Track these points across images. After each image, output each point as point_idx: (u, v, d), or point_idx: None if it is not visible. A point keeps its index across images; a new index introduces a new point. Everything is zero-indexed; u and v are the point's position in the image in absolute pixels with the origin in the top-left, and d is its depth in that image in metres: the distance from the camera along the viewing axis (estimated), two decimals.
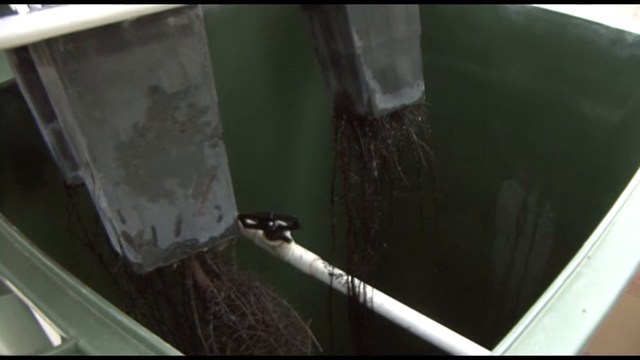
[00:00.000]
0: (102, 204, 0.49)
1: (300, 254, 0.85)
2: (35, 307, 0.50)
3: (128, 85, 0.46)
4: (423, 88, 0.75)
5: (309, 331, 0.61)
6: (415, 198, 0.80)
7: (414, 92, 0.74)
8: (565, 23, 0.87)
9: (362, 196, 0.77)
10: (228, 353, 0.56)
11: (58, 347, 0.46)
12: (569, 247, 0.54)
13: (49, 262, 0.52)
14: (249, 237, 0.87)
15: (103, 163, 0.47)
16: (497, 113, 1.00)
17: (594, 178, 0.91)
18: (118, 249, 0.52)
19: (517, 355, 0.43)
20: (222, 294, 0.56)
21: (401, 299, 0.79)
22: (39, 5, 0.42)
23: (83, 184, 0.62)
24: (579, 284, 0.49)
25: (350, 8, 0.66)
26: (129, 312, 0.57)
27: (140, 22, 0.44)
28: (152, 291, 0.60)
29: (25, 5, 0.44)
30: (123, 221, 0.49)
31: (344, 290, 0.83)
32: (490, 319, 1.17)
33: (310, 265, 0.84)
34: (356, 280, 0.83)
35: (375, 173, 0.74)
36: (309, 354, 0.60)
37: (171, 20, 0.46)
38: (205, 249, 0.54)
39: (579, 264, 0.50)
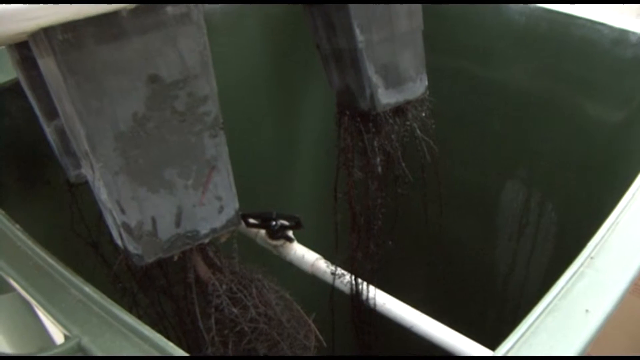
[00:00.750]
0: (102, 195, 0.49)
1: (302, 253, 0.86)
2: (37, 306, 0.50)
3: (127, 75, 0.45)
4: (426, 83, 0.75)
5: (312, 325, 0.60)
6: (418, 196, 0.80)
7: (417, 87, 0.74)
8: (567, 23, 0.87)
9: (366, 193, 0.76)
10: (230, 346, 0.56)
11: (61, 345, 0.46)
12: (571, 248, 0.54)
13: (51, 261, 0.52)
14: (251, 236, 0.88)
15: (102, 152, 0.46)
16: (499, 113, 1.00)
17: (597, 178, 0.91)
18: (119, 241, 0.52)
19: (520, 356, 0.43)
20: (224, 286, 0.56)
21: (403, 299, 0.79)
22: None
23: (86, 182, 0.63)
24: (581, 284, 0.48)
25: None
26: (131, 309, 0.57)
27: (138, 10, 0.44)
28: (154, 284, 0.59)
29: None
30: (123, 212, 0.49)
31: (346, 289, 0.83)
32: (491, 319, 1.17)
33: (313, 264, 0.84)
34: (358, 280, 0.83)
35: (380, 169, 0.74)
36: (312, 348, 0.60)
37: (169, 9, 0.45)
38: (206, 240, 0.54)
39: (582, 264, 0.50)
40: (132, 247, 0.51)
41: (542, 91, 0.93)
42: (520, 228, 1.05)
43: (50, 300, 0.49)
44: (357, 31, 0.67)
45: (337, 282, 0.83)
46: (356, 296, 0.83)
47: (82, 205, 0.70)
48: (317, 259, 0.85)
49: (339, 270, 0.83)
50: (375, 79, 0.70)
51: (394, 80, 0.72)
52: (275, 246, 0.86)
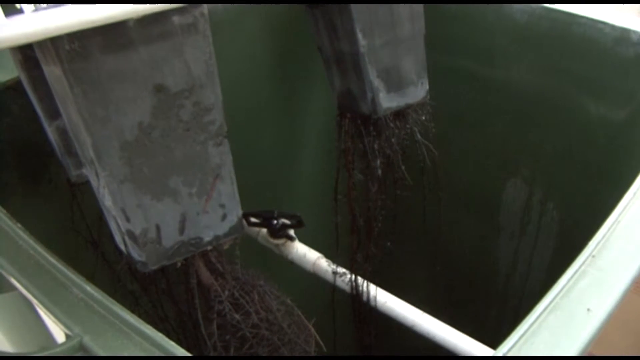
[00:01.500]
0: (107, 202, 0.50)
1: (303, 252, 0.86)
2: (39, 305, 0.50)
3: (133, 84, 0.46)
4: (427, 87, 0.75)
5: (313, 330, 0.61)
6: (418, 197, 0.80)
7: (418, 91, 0.74)
8: (569, 22, 0.87)
9: (366, 195, 0.76)
10: (231, 352, 0.56)
11: (62, 344, 0.46)
12: (572, 246, 0.54)
13: (53, 259, 0.52)
14: (253, 235, 0.88)
15: (107, 161, 0.47)
16: (500, 112, 1.00)
17: (598, 177, 0.91)
18: (122, 247, 0.52)
19: (522, 355, 0.43)
20: (226, 292, 0.56)
21: (404, 298, 0.79)
22: (44, 5, 0.42)
23: (87, 182, 0.63)
24: (583, 283, 0.48)
25: (355, 7, 0.66)
26: (132, 311, 0.57)
27: (145, 20, 0.44)
28: (156, 290, 0.60)
29: (31, 5, 0.44)
30: (127, 219, 0.49)
31: (347, 288, 0.83)
32: (493, 318, 1.17)
33: (314, 263, 0.84)
34: (359, 279, 0.83)
35: (379, 172, 0.74)
36: (313, 353, 0.60)
37: (176, 19, 0.46)
38: (210, 247, 0.54)
39: (583, 263, 0.50)
40: (136, 254, 0.51)
41: (544, 90, 0.93)
42: (521, 227, 1.05)
43: (52, 299, 0.49)
44: (360, 35, 0.67)
45: (339, 281, 0.83)
46: (357, 295, 0.83)
47: (83, 205, 0.70)
48: (318, 257, 0.85)
49: (340, 269, 0.83)
50: (377, 82, 0.70)
51: (395, 84, 0.72)
52: (277, 245, 0.86)
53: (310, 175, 1.12)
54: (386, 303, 0.79)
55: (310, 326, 0.61)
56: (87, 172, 0.51)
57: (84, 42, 0.43)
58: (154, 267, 0.52)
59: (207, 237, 0.54)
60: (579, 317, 0.46)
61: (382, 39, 0.69)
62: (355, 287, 0.83)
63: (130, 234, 0.50)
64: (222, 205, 0.53)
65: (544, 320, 0.46)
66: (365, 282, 0.82)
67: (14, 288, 0.53)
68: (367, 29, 0.67)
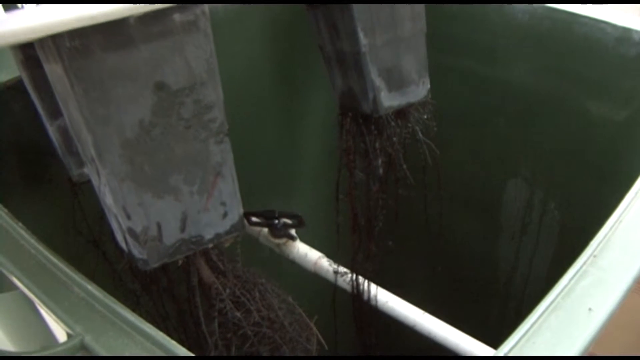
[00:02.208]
0: (108, 200, 0.50)
1: (305, 251, 0.86)
2: (40, 304, 0.50)
3: (134, 82, 0.46)
4: (429, 86, 0.75)
5: (314, 328, 0.61)
6: (419, 196, 0.80)
7: (420, 90, 0.74)
8: (571, 22, 0.86)
9: (367, 194, 0.76)
10: (233, 350, 0.56)
11: (64, 343, 0.46)
12: (573, 246, 0.54)
13: (54, 259, 0.52)
14: (254, 234, 0.88)
15: (108, 159, 0.47)
16: (501, 112, 1.00)
17: (600, 177, 0.91)
18: (123, 245, 0.52)
19: (523, 355, 0.43)
20: (227, 290, 0.56)
21: (405, 297, 0.79)
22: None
23: (88, 181, 0.63)
24: (584, 282, 0.48)
25: (356, 7, 0.66)
26: (133, 310, 0.57)
27: (145, 18, 0.44)
28: (157, 288, 0.60)
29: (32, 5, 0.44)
30: (128, 217, 0.49)
31: (348, 288, 0.83)
32: (493, 318, 1.17)
33: (315, 263, 0.85)
34: (361, 278, 0.83)
35: (381, 171, 0.74)
36: (314, 352, 0.60)
37: (177, 17, 0.46)
38: (211, 245, 0.54)
39: (584, 263, 0.50)
40: (137, 252, 0.51)
41: (545, 90, 0.93)
42: (522, 227, 1.05)
43: (53, 298, 0.49)
44: (361, 35, 0.67)
45: (340, 281, 0.83)
46: (358, 294, 0.83)
47: (84, 204, 0.70)
48: (319, 257, 0.85)
49: (342, 269, 0.83)
50: (378, 82, 0.70)
51: (396, 83, 0.72)
52: (278, 244, 0.86)
53: (311, 174, 1.12)
54: (387, 303, 0.79)
55: (312, 324, 0.61)
56: (88, 170, 0.51)
57: (85, 40, 0.43)
58: (155, 265, 0.52)
59: (208, 235, 0.54)
60: (581, 317, 0.46)
61: (383, 38, 0.69)
62: (356, 286, 0.83)
63: (132, 232, 0.50)
64: (223, 204, 0.53)
65: (545, 320, 0.46)
66: (367, 281, 0.82)
67: (15, 287, 0.53)
68: (368, 28, 0.67)
